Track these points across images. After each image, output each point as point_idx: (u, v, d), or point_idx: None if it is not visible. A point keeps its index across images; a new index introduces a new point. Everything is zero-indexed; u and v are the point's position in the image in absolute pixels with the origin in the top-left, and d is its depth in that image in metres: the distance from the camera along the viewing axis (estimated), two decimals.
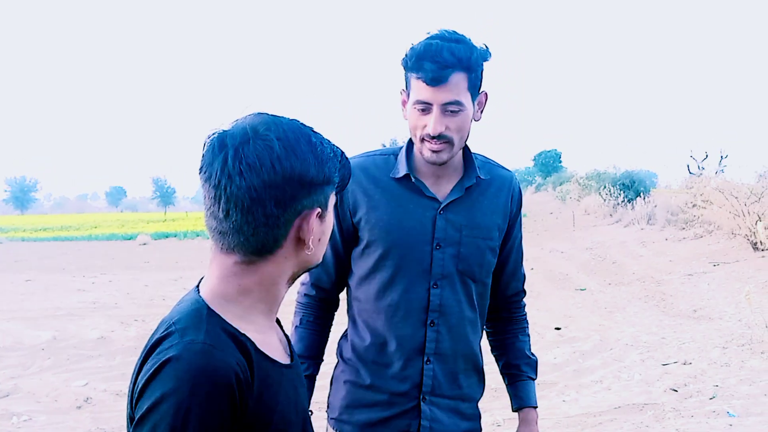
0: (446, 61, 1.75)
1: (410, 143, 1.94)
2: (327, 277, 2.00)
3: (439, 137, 1.80)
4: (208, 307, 1.15)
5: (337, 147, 1.24)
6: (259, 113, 1.19)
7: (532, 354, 2.13)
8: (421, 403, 1.91)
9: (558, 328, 8.35)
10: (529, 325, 2.17)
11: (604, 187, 25.75)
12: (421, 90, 1.79)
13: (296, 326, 2.04)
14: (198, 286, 1.23)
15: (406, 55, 1.81)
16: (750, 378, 5.91)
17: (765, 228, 11.00)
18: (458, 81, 1.78)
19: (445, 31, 1.81)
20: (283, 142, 1.14)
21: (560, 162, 59.58)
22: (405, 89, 1.87)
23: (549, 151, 61.73)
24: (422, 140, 1.84)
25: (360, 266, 1.95)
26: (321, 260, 1.29)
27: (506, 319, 2.12)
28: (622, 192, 24.41)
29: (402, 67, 1.85)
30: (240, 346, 1.12)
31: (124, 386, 6.36)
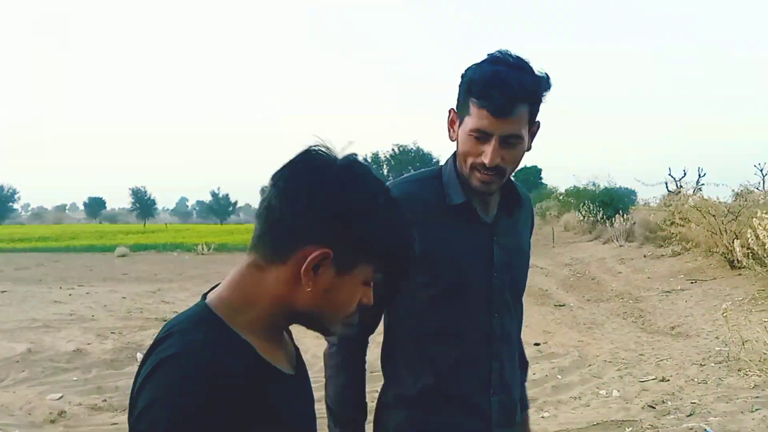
0: (515, 94, 1.66)
1: (454, 165, 1.83)
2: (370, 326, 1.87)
3: (493, 168, 1.71)
4: (211, 311, 1.14)
5: (411, 232, 1.22)
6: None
7: (524, 356, 2.11)
8: None
9: (537, 344, 8.36)
10: None
11: (584, 204, 25.91)
12: (483, 119, 1.68)
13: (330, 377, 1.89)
14: (206, 295, 1.22)
15: (469, 78, 1.71)
16: (727, 395, 5.95)
17: (742, 246, 11.10)
18: (522, 114, 1.69)
19: (508, 55, 1.71)
20: (378, 194, 1.16)
21: (540, 178, 59.87)
22: (457, 111, 1.77)
23: (529, 168, 62.01)
24: (472, 168, 1.74)
25: (413, 305, 1.81)
26: (330, 326, 1.23)
27: None
28: (601, 209, 24.56)
29: (461, 89, 1.74)
30: (241, 350, 1.11)
31: (100, 400, 6.30)
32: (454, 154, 1.84)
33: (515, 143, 1.71)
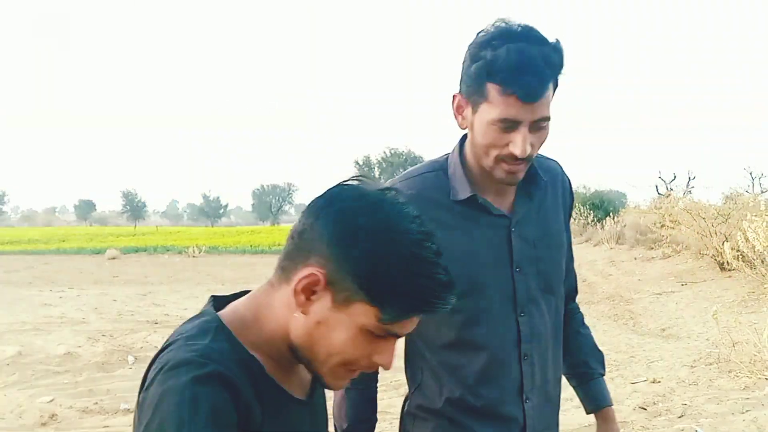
0: (544, 74, 1.47)
1: (461, 154, 1.66)
2: None
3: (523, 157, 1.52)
4: (221, 322, 1.11)
5: (441, 288, 1.10)
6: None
7: (598, 348, 1.96)
8: None
9: None
10: None
11: (574, 206, 25.97)
12: (510, 107, 1.47)
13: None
14: (214, 297, 1.20)
15: (488, 61, 1.48)
16: (718, 396, 5.97)
17: (732, 249, 11.15)
18: (549, 92, 1.50)
19: (519, 26, 1.49)
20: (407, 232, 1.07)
21: None
22: (467, 96, 1.56)
23: None
24: (498, 160, 1.55)
25: None
26: (323, 371, 1.12)
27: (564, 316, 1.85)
28: (591, 212, 24.65)
29: (475, 72, 1.51)
30: (246, 361, 1.08)
31: (90, 403, 6.26)
32: (461, 142, 1.67)
33: (544, 125, 1.53)
